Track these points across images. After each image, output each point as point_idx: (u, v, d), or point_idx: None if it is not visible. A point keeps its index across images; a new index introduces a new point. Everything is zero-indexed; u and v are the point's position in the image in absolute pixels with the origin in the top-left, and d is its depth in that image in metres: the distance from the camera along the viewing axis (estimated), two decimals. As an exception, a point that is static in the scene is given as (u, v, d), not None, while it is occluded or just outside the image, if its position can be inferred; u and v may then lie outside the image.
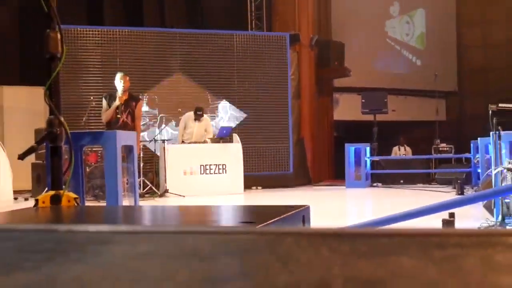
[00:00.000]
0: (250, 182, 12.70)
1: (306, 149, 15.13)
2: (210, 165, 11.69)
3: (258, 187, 13.20)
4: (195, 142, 11.84)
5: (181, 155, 11.57)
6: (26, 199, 10.14)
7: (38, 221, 2.38)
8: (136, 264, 0.77)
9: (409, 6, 19.01)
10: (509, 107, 7.12)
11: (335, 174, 16.26)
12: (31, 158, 10.66)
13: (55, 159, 3.02)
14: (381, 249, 0.81)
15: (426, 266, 0.70)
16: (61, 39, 3.01)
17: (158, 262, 0.79)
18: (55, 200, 2.89)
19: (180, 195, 11.03)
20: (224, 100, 13.63)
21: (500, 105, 7.09)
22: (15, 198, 9.04)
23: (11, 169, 7.83)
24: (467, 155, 13.00)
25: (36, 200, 2.93)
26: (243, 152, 12.12)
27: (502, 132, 6.61)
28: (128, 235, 0.99)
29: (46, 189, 3.09)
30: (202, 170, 11.65)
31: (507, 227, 5.77)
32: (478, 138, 9.89)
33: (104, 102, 9.01)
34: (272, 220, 2.01)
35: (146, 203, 9.43)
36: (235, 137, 12.32)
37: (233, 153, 11.97)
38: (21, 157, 3.13)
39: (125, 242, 0.93)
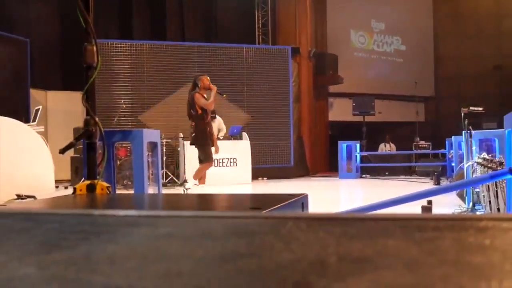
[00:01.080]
0: (257, 174, 12.72)
1: (305, 146, 15.15)
2: (223, 159, 11.70)
3: (264, 178, 13.22)
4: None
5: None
6: (65, 188, 10.16)
7: (76, 206, 2.38)
8: (159, 243, 0.77)
9: (391, 22, 18.96)
10: (478, 110, 7.12)
11: (329, 167, 16.27)
12: (70, 152, 10.70)
13: (90, 153, 3.02)
14: (369, 231, 0.80)
15: (408, 246, 0.69)
16: (97, 51, 3.01)
17: (178, 242, 0.78)
18: (91, 188, 2.90)
19: (197, 185, 11.04)
20: (232, 101, 13.65)
21: (470, 108, 7.09)
22: (57, 187, 9.06)
23: (53, 162, 7.85)
24: (442, 151, 12.96)
25: (74, 189, 2.94)
26: (251, 148, 12.14)
27: (472, 131, 6.60)
28: (152, 218, 0.99)
29: (83, 179, 3.09)
30: (216, 163, 11.64)
31: (477, 213, 5.76)
32: (452, 136, 9.85)
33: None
34: (276, 206, 2.00)
35: (167, 191, 9.44)
36: (244, 135, 12.34)
37: (242, 149, 11.99)
38: (62, 151, 3.14)
39: (150, 225, 0.92)
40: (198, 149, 8.38)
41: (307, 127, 15.42)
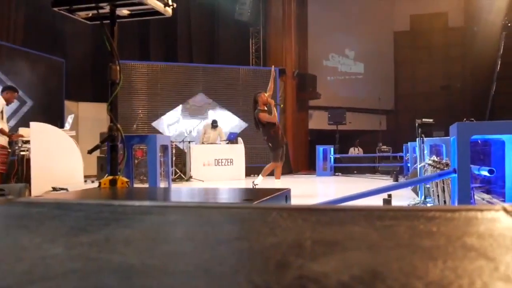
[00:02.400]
0: (249, 171, 12.69)
1: (289, 149, 15.15)
2: (221, 159, 11.69)
3: (255, 175, 13.19)
4: (212, 143, 11.86)
5: (201, 152, 11.57)
6: (92, 182, 10.11)
7: (100, 197, 2.37)
8: (167, 228, 0.77)
9: (360, 49, 19.04)
10: (429, 121, 7.14)
11: (309, 167, 16.29)
12: (97, 152, 10.66)
13: (113, 153, 3.01)
14: (339, 219, 0.80)
15: (370, 232, 0.69)
16: (119, 70, 3.01)
17: (182, 227, 0.78)
18: (113, 182, 2.89)
19: (201, 180, 11.02)
20: (230, 112, 13.66)
21: (423, 120, 7.10)
22: (85, 181, 9.00)
23: (82, 160, 7.81)
24: (400, 154, 13.01)
25: (99, 182, 2.93)
26: (245, 150, 12.13)
27: (424, 138, 6.62)
28: (162, 208, 0.99)
29: (107, 174, 3.08)
30: (216, 163, 11.66)
31: (428, 205, 5.78)
32: (408, 142, 9.89)
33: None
34: (264, 198, 2.00)
35: (176, 186, 9.42)
36: (239, 139, 12.34)
37: (238, 151, 11.98)
38: (90, 152, 3.13)
39: (160, 213, 0.92)
40: (271, 152, 8.02)
41: (291, 133, 15.44)
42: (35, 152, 7.00)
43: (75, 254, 0.60)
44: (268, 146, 7.92)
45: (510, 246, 0.60)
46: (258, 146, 13.60)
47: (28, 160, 7.02)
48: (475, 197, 4.08)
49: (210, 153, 11.61)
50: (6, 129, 7.17)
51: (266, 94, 7.92)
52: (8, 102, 7.27)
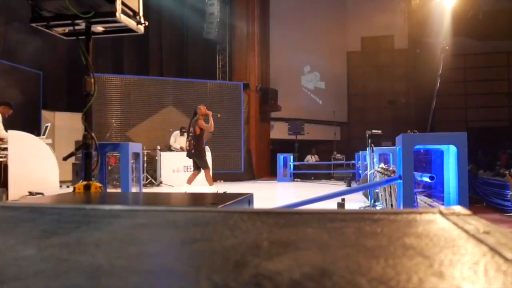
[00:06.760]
0: (216, 177, 12.63)
1: (252, 156, 15.18)
2: (190, 165, 11.56)
3: (221, 180, 13.15)
4: (182, 148, 11.77)
5: (171, 159, 11.46)
6: (67, 187, 9.83)
7: (74, 201, 2.31)
8: (134, 231, 0.76)
9: (317, 67, 19.31)
10: (378, 132, 7.28)
11: (270, 173, 16.35)
12: (72, 159, 10.38)
13: (87, 160, 2.95)
14: (293, 222, 0.81)
15: (321, 233, 0.70)
16: (94, 82, 2.95)
17: (149, 230, 0.77)
18: (87, 187, 2.82)
19: (170, 185, 10.90)
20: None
21: (373, 131, 7.24)
22: (60, 186, 8.75)
23: (58, 166, 7.61)
24: (353, 161, 13.20)
25: (74, 187, 2.86)
26: (212, 157, 12.06)
27: (374, 148, 6.74)
28: (131, 212, 0.97)
29: (81, 180, 3.01)
30: (185, 169, 11.55)
31: (377, 208, 5.88)
32: (360, 151, 10.05)
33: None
34: (228, 203, 1.99)
35: (147, 190, 9.28)
36: (207, 148, 12.26)
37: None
38: (65, 158, 3.05)
39: (129, 216, 0.91)
40: (198, 160, 7.95)
41: (254, 142, 15.48)
42: (13, 158, 6.79)
43: (46, 255, 0.59)
44: (194, 154, 7.87)
45: (444, 245, 0.62)
46: (224, 153, 13.58)
47: (6, 166, 6.81)
48: (418, 200, 4.18)
49: (179, 159, 11.49)
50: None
51: (205, 107, 7.90)
52: (2, 115, 7.26)
